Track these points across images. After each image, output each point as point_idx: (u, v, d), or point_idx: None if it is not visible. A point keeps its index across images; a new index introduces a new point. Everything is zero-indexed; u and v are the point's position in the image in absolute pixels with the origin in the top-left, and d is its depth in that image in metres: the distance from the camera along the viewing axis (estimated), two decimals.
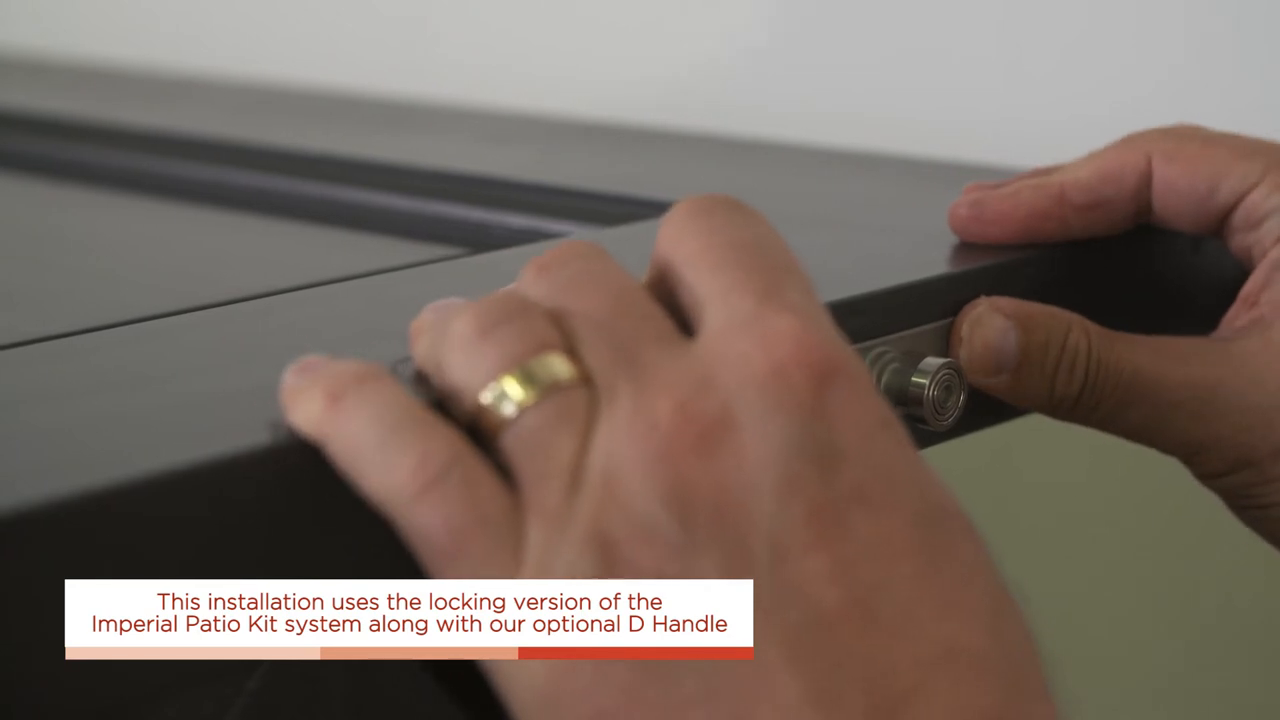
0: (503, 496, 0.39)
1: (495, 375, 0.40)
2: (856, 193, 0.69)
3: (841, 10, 0.98)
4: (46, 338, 0.50)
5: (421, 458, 0.39)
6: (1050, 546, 0.99)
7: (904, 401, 0.52)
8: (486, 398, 0.40)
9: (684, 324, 0.41)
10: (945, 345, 0.54)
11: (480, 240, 0.67)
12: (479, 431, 0.40)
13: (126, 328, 0.51)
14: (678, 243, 0.42)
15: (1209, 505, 0.57)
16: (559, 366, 0.40)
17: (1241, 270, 0.58)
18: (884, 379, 0.52)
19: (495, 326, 0.40)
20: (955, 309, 0.54)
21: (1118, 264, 0.59)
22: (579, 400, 0.39)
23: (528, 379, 0.40)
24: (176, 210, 0.77)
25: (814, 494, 0.38)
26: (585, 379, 0.40)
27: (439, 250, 0.66)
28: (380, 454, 0.39)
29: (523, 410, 0.39)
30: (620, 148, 0.81)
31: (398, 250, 0.68)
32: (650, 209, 0.65)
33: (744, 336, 0.39)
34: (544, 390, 0.39)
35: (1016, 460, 0.97)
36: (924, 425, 0.52)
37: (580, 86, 1.06)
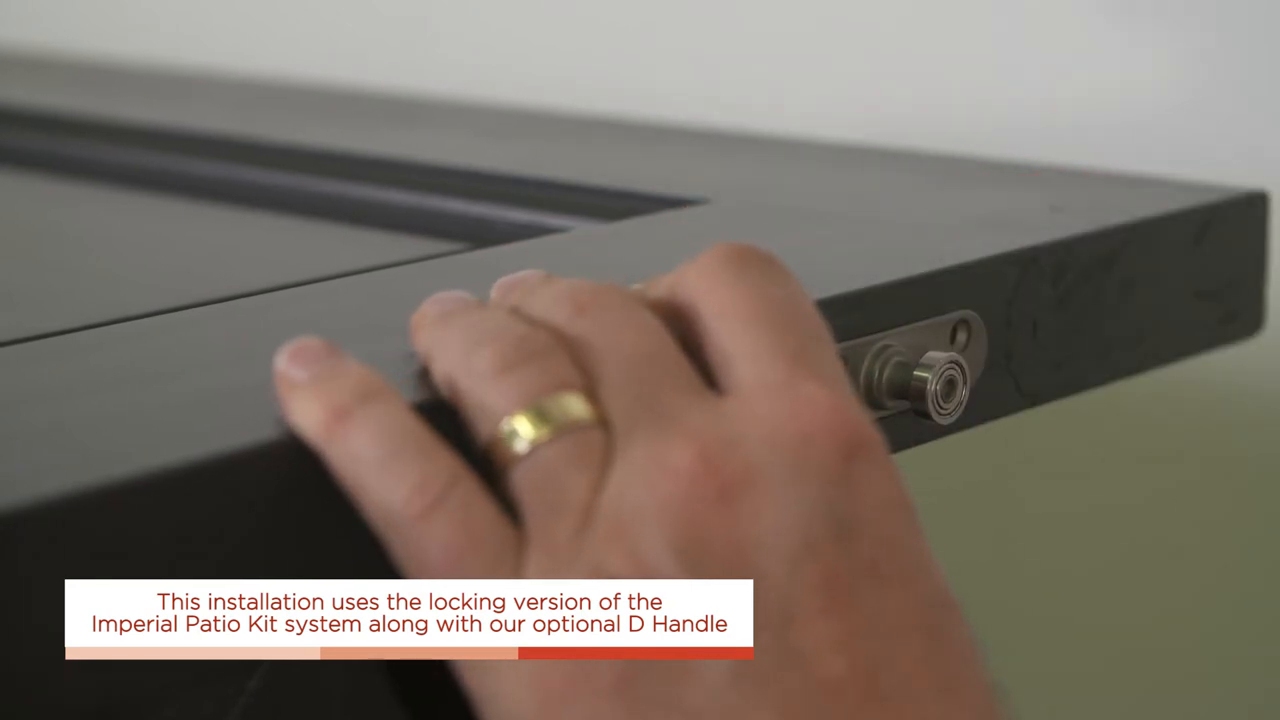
0: (504, 526, 0.39)
1: (511, 410, 0.40)
2: (861, 186, 0.69)
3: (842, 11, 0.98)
4: (47, 334, 0.50)
5: (422, 480, 0.39)
6: (1051, 543, 0.99)
7: (907, 396, 0.52)
8: (501, 431, 0.40)
9: (707, 375, 0.41)
10: (949, 340, 0.54)
11: (482, 235, 0.67)
12: (491, 464, 0.40)
13: (127, 324, 0.51)
14: (708, 293, 0.41)
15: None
16: (576, 406, 0.40)
17: (1243, 261, 0.58)
18: (887, 373, 0.52)
19: (518, 364, 0.40)
20: (959, 303, 0.54)
21: (1120, 257, 0.59)
22: (595, 440, 0.39)
23: (543, 416, 0.39)
24: (177, 206, 0.77)
25: (830, 562, 0.38)
26: (603, 421, 0.40)
27: (441, 245, 0.66)
28: (380, 475, 0.39)
29: (536, 446, 0.39)
30: (621, 143, 0.81)
31: (399, 245, 0.67)
32: (652, 204, 0.65)
33: (774, 399, 0.39)
34: (559, 428, 0.39)
35: (1018, 456, 0.97)
36: (927, 419, 0.52)
37: (580, 85, 1.06)
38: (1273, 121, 0.87)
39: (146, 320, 0.51)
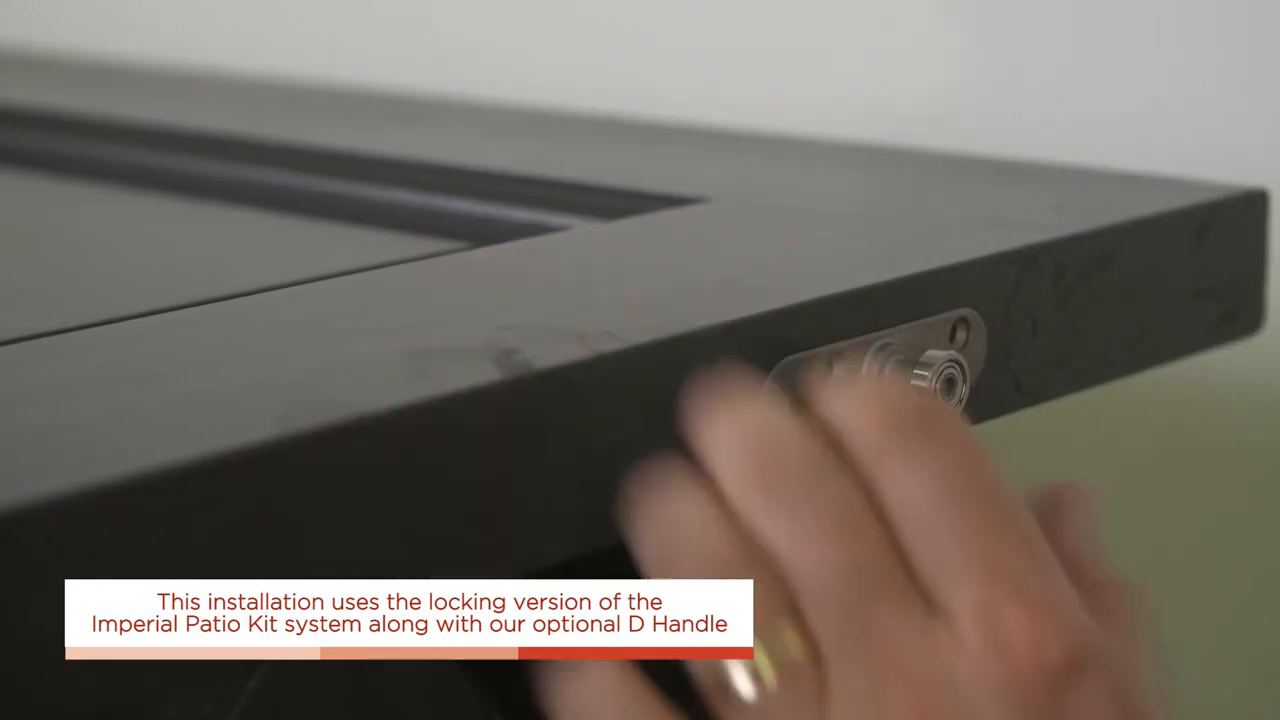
0: None
1: (724, 653, 0.38)
2: (861, 185, 0.69)
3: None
4: (46, 333, 0.50)
5: None
6: None
7: None
8: (716, 678, 0.38)
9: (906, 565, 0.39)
10: (949, 339, 0.54)
11: (483, 234, 0.67)
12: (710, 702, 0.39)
13: (127, 323, 0.51)
14: (902, 477, 0.39)
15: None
16: (792, 644, 0.38)
17: (1243, 260, 0.58)
18: (886, 372, 0.52)
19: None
20: (959, 302, 0.54)
21: (1120, 256, 0.59)
22: (809, 685, 0.37)
23: (759, 661, 0.38)
24: (178, 205, 0.77)
25: None
26: (815, 654, 0.38)
27: (444, 244, 0.66)
28: None
29: (760, 694, 0.38)
30: (622, 141, 0.81)
31: (400, 244, 0.67)
32: (653, 203, 0.65)
33: (980, 632, 0.37)
34: (775, 674, 0.38)
35: (1018, 453, 0.97)
36: None
37: (581, 84, 1.06)
38: (1273, 121, 0.87)
39: (145, 319, 0.51)
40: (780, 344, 0.49)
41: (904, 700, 0.37)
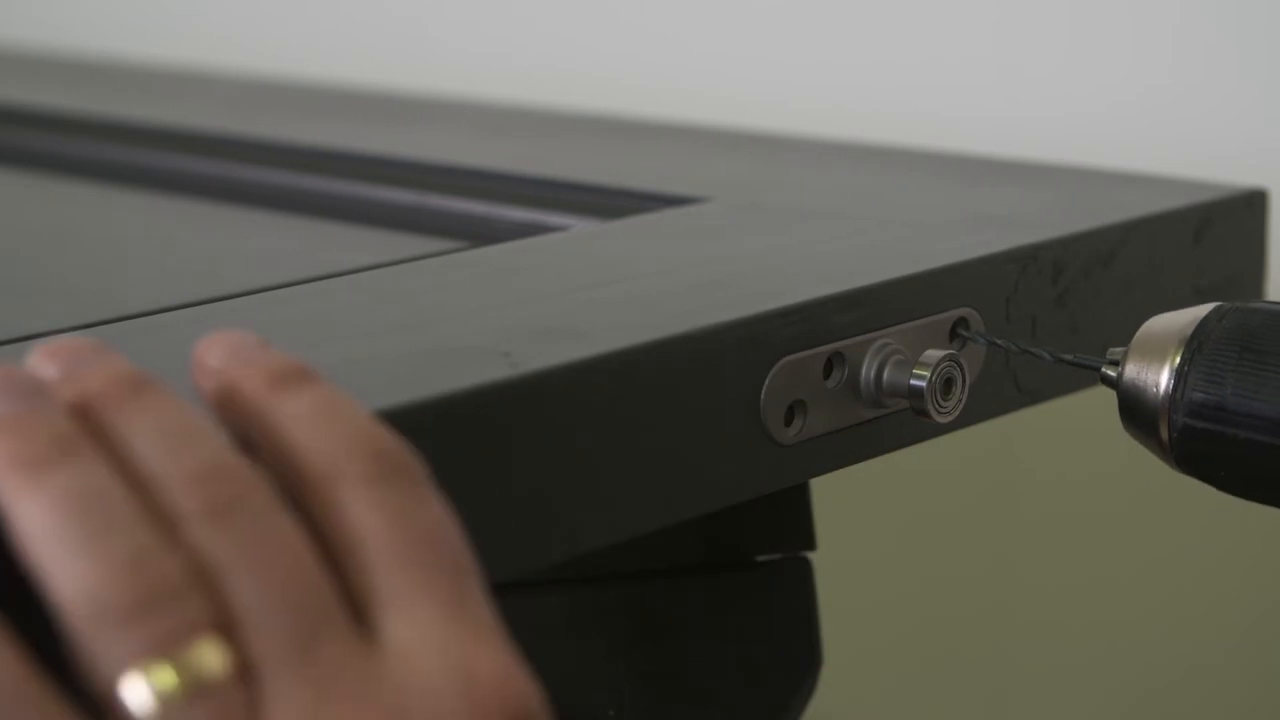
0: None
1: (128, 664, 0.34)
2: (860, 184, 0.69)
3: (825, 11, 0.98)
4: (45, 333, 0.50)
5: None
6: (1051, 539, 0.99)
7: (906, 394, 0.52)
8: (118, 689, 0.34)
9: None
10: (947, 338, 0.54)
11: (481, 233, 0.67)
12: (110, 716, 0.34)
13: (125, 323, 0.51)
14: (348, 507, 0.36)
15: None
16: (212, 660, 0.34)
17: (1242, 259, 0.58)
18: (886, 372, 0.52)
19: (141, 605, 0.34)
20: (958, 301, 0.54)
21: (1119, 255, 0.59)
22: (234, 705, 0.34)
23: (174, 672, 0.34)
24: (175, 205, 0.77)
25: None
26: (245, 670, 0.34)
27: (441, 244, 0.66)
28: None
29: (164, 714, 0.33)
30: (621, 141, 0.81)
31: (398, 244, 0.67)
32: (652, 202, 0.65)
33: (439, 663, 0.35)
34: (190, 690, 0.34)
35: (1018, 452, 0.97)
36: (926, 418, 0.52)
37: (580, 83, 1.06)
38: (1272, 120, 0.87)
39: (145, 319, 0.51)
40: (780, 344, 0.50)
41: None
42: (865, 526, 0.98)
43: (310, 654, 0.34)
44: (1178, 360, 0.49)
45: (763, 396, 0.49)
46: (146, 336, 0.49)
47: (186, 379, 0.44)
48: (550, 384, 0.45)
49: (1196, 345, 0.49)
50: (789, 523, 0.60)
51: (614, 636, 0.58)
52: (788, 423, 0.50)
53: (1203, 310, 0.50)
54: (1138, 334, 0.51)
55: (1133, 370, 0.50)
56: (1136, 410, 0.50)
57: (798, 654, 0.60)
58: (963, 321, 0.54)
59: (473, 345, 0.47)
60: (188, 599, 0.34)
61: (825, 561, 0.61)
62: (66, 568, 0.34)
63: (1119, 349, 0.51)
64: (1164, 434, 0.49)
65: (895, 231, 0.59)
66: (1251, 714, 0.96)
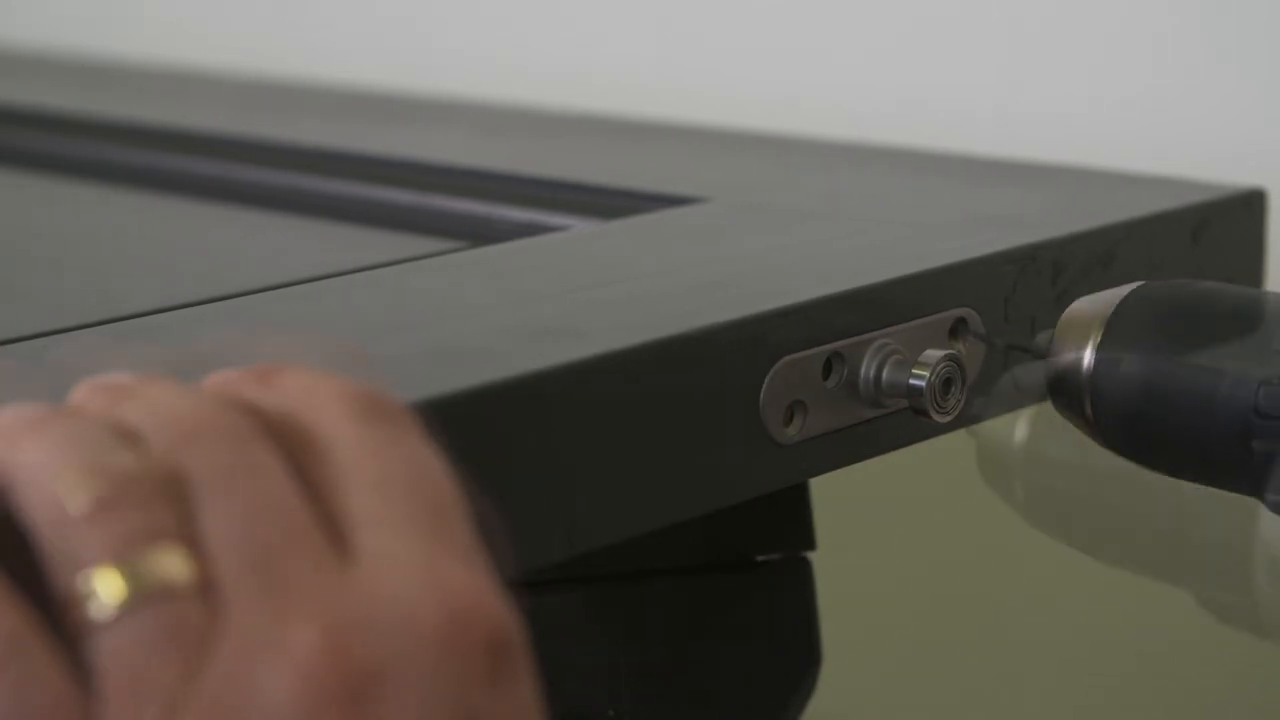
0: (74, 704, 0.33)
1: (91, 564, 0.33)
2: (860, 184, 0.69)
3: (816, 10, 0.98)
4: (45, 333, 0.50)
5: None
6: (1051, 539, 0.99)
7: (905, 394, 0.52)
8: (79, 590, 0.33)
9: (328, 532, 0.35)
10: (946, 338, 0.54)
11: (481, 234, 0.67)
12: (69, 624, 0.34)
13: (125, 323, 0.51)
14: (334, 442, 0.36)
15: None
16: (173, 565, 0.33)
17: (1240, 259, 0.58)
18: (885, 372, 0.52)
19: (110, 504, 0.34)
20: (958, 301, 0.54)
21: (1118, 255, 0.59)
22: (192, 611, 0.33)
23: (132, 576, 0.33)
24: (178, 205, 0.77)
25: None
26: (206, 583, 0.34)
27: (441, 244, 0.66)
28: None
29: (119, 615, 0.33)
30: (620, 141, 0.81)
31: (398, 244, 0.67)
32: (651, 202, 0.65)
33: (412, 577, 0.34)
34: (149, 593, 0.33)
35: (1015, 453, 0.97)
36: (925, 418, 0.52)
37: (579, 83, 1.06)
38: (1272, 120, 0.87)
39: (145, 319, 0.51)
40: (779, 344, 0.50)
41: (310, 634, 0.33)
42: (865, 526, 0.98)
43: (276, 571, 0.34)
44: (1100, 338, 0.50)
45: (762, 396, 0.49)
46: (146, 336, 0.49)
47: (187, 379, 0.44)
48: (550, 384, 0.45)
49: (1117, 323, 0.50)
50: (789, 523, 0.60)
51: (614, 636, 0.58)
52: (787, 423, 0.50)
53: (1125, 290, 0.50)
54: (1063, 315, 0.52)
55: (1057, 350, 0.51)
56: (1060, 390, 0.51)
57: (797, 654, 0.60)
58: (962, 321, 0.54)
59: (473, 345, 0.47)
60: (152, 506, 0.34)
61: (825, 561, 0.61)
62: (32, 473, 0.34)
63: (1047, 332, 0.52)
64: (1088, 411, 0.50)
65: (895, 231, 0.59)
66: (1254, 708, 0.96)
